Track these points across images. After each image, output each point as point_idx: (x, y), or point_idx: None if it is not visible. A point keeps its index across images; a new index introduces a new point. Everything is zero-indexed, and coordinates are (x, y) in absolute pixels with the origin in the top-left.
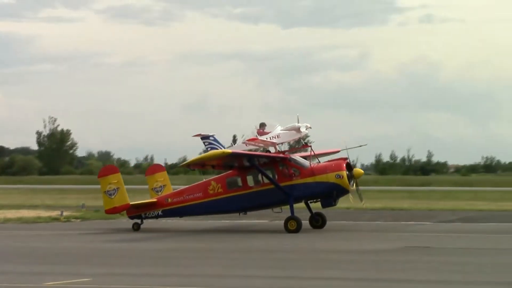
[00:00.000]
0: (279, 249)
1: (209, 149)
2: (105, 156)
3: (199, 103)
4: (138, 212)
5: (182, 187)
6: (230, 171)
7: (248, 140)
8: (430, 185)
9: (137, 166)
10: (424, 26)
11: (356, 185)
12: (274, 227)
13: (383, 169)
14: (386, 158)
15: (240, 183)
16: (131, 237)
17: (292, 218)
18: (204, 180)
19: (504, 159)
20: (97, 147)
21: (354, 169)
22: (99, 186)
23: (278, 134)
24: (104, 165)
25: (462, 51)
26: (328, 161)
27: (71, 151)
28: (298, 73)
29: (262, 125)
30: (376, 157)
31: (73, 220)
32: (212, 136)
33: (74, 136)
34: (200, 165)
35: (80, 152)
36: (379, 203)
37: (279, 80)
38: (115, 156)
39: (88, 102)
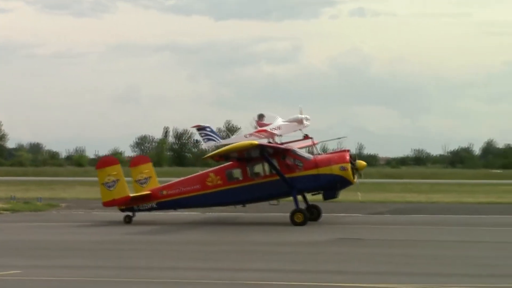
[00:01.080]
0: (215, 241)
1: (205, 140)
2: (35, 148)
3: (130, 95)
4: (130, 204)
5: (175, 179)
6: (229, 163)
7: (257, 132)
8: (361, 177)
9: (68, 158)
10: (355, 19)
11: (359, 177)
12: (212, 220)
13: None
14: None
15: (240, 175)
16: (65, 230)
17: (298, 210)
18: (200, 172)
19: (433, 151)
20: (27, 139)
21: (358, 161)
22: (28, 178)
23: (280, 125)
24: (103, 157)
25: (393, 45)
26: (331, 152)
27: (1, 143)
28: (230, 66)
29: (261, 116)
30: (308, 150)
31: (3, 212)
32: (209, 127)
33: (4, 128)
34: (224, 157)
35: (10, 144)
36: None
37: (211, 72)
38: (46, 148)
39: (19, 93)
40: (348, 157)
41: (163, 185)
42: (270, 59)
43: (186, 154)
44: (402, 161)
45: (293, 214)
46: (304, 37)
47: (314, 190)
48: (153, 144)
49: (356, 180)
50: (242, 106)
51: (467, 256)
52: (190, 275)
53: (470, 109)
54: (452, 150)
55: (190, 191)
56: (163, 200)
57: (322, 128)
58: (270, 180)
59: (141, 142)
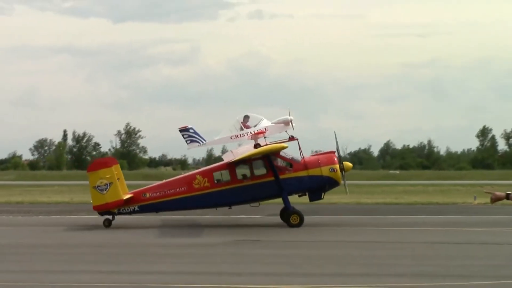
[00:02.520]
0: (112, 243)
1: (188, 141)
2: None
3: (28, 98)
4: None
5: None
6: (216, 165)
7: (256, 133)
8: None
9: None
10: (253, 22)
11: (343, 178)
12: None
13: (215, 163)
14: (217, 153)
15: (229, 177)
16: None
17: (295, 212)
18: (184, 174)
19: None
20: None
21: (344, 162)
22: None
23: (266, 127)
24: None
25: (291, 47)
26: (317, 154)
27: None
28: (129, 68)
29: (246, 118)
30: (207, 151)
31: None
32: (192, 128)
33: None
34: (242, 161)
35: None
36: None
37: (109, 74)
38: None
39: None
40: (336, 159)
41: (145, 187)
42: (169, 61)
43: (86, 157)
44: None
45: (289, 216)
46: (202, 39)
47: (303, 191)
48: (52, 147)
49: (342, 181)
50: (141, 108)
51: (364, 256)
52: (85, 278)
53: (367, 110)
54: (351, 151)
55: (175, 194)
56: (146, 203)
57: (222, 129)
58: (258, 182)
59: (40, 145)
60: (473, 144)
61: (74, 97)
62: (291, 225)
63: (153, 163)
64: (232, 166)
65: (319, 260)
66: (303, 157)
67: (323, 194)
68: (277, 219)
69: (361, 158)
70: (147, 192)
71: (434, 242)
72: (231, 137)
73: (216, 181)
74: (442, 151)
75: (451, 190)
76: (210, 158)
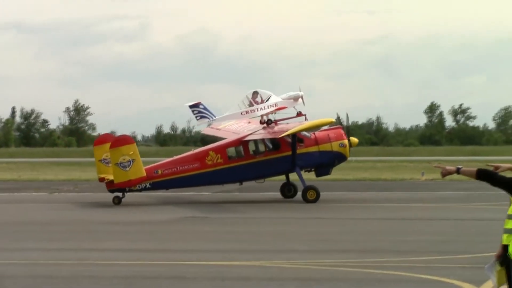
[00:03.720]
0: (60, 221)
1: (198, 117)
2: None
3: None
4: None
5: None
6: (229, 140)
7: (278, 109)
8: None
9: None
10: None
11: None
12: (61, 199)
13: (164, 140)
14: (166, 129)
15: (242, 153)
16: None
17: (311, 188)
18: (195, 150)
19: None
20: None
21: (351, 138)
22: None
23: (276, 102)
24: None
25: (242, 23)
26: (325, 129)
27: None
28: (78, 45)
29: (255, 93)
30: (157, 128)
31: None
32: (201, 104)
33: None
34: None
35: None
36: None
37: (58, 51)
38: None
39: None
40: (344, 134)
41: (156, 164)
42: (119, 38)
43: (34, 134)
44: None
45: (305, 191)
46: (152, 15)
47: (314, 167)
48: (0, 124)
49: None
50: (91, 85)
51: (311, 232)
52: (33, 256)
53: (316, 87)
54: None
55: (187, 170)
56: (158, 180)
57: (173, 106)
58: (271, 157)
59: None
60: (421, 120)
61: (22, 74)
62: (308, 201)
63: None
64: (245, 142)
65: (266, 237)
66: (313, 132)
67: (331, 169)
68: (226, 195)
69: None
70: (159, 168)
71: (382, 218)
72: (241, 113)
73: (229, 157)
74: (391, 128)
75: (399, 166)
76: (160, 135)
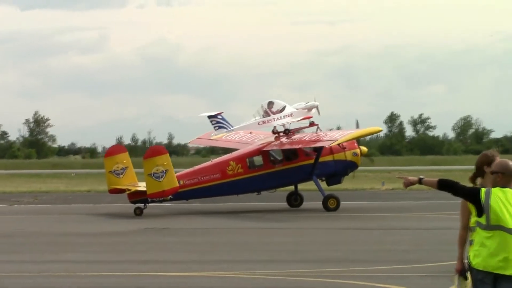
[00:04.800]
0: (21, 233)
1: (216, 128)
2: None
3: None
4: (144, 196)
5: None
6: (248, 150)
7: (304, 118)
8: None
9: None
10: (163, 9)
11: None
12: (24, 211)
13: None
14: (127, 140)
15: (261, 162)
16: None
17: (332, 196)
18: (213, 160)
19: None
20: None
21: (360, 146)
22: None
23: (292, 112)
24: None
25: (201, 34)
26: None
27: None
28: (37, 56)
29: (270, 104)
30: (117, 139)
31: None
32: (220, 115)
33: None
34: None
35: None
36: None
37: (17, 63)
38: None
39: None
40: (356, 143)
41: (177, 174)
42: (78, 48)
43: None
44: (211, 150)
45: (326, 200)
46: (111, 26)
47: (329, 175)
48: None
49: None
50: (50, 96)
51: (273, 243)
52: None
53: (278, 97)
54: None
55: (209, 180)
56: (180, 190)
57: (131, 117)
58: (289, 167)
59: None
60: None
61: None
62: (329, 209)
63: (62, 151)
64: (265, 151)
65: (227, 247)
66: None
67: (342, 178)
68: (186, 206)
69: None
70: (180, 179)
71: (341, 228)
72: (258, 123)
73: (249, 167)
74: None
75: (360, 176)
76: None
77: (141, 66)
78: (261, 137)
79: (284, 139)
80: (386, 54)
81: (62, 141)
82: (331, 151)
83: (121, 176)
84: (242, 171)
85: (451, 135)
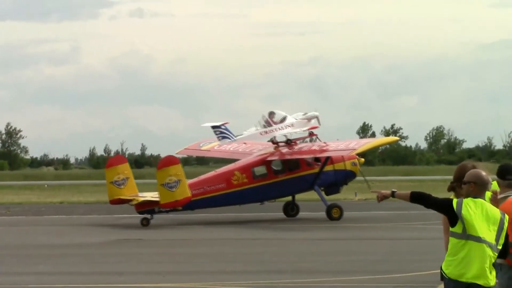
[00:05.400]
0: None
1: (220, 138)
2: None
3: None
4: (151, 206)
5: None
6: (253, 160)
7: (310, 128)
8: (143, 178)
9: None
10: (134, 20)
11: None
12: None
13: (97, 163)
14: (100, 152)
15: (265, 173)
16: None
17: (335, 205)
18: (217, 170)
19: None
20: None
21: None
22: None
23: (292, 122)
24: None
25: (173, 45)
26: None
27: None
28: (9, 67)
29: (271, 114)
30: (90, 151)
31: None
32: (224, 125)
33: None
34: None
35: None
36: (93, 197)
37: None
38: None
39: None
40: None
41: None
42: (50, 60)
43: None
44: (185, 161)
45: (330, 209)
46: (83, 38)
47: (329, 185)
48: None
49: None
50: (22, 108)
51: (247, 253)
52: None
53: (250, 108)
54: None
55: (215, 190)
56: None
57: (104, 128)
58: (291, 177)
59: None
60: None
61: None
62: (332, 218)
63: (35, 163)
64: (268, 161)
65: (201, 258)
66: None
67: (341, 188)
68: (159, 218)
69: None
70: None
71: (315, 238)
72: (260, 133)
73: (254, 177)
74: None
75: None
76: (93, 157)
77: (113, 78)
78: (259, 147)
79: (286, 149)
80: (358, 65)
81: (35, 152)
82: (332, 160)
83: (122, 186)
84: (247, 181)
85: (423, 145)
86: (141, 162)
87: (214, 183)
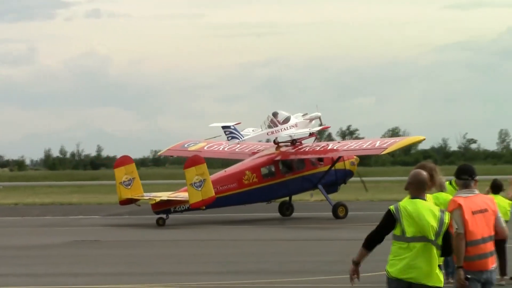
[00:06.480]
0: None
1: (229, 138)
2: None
3: None
4: (167, 206)
5: None
6: (261, 160)
7: (323, 128)
8: (99, 179)
9: None
10: (91, 21)
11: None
12: None
13: (53, 164)
14: (55, 153)
15: (274, 172)
16: None
17: (340, 204)
18: (226, 170)
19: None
20: None
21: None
22: None
23: (296, 123)
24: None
25: (130, 46)
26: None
27: None
28: None
29: (275, 114)
30: (45, 152)
31: None
32: (233, 126)
33: None
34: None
35: None
36: (48, 198)
37: None
38: None
39: None
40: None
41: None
42: (5, 61)
43: None
44: (141, 163)
45: (336, 208)
46: (39, 39)
47: (330, 185)
48: None
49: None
50: None
51: (202, 254)
52: None
53: (206, 110)
54: None
55: (227, 190)
56: None
57: (60, 130)
58: (297, 176)
59: None
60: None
61: None
62: (338, 217)
63: None
64: (277, 161)
65: (157, 259)
66: None
67: (339, 187)
68: (115, 219)
69: None
70: None
71: (270, 239)
72: (267, 133)
73: (263, 177)
74: None
75: None
76: (49, 159)
77: (70, 79)
78: (259, 147)
79: (291, 149)
80: (314, 66)
81: None
82: (332, 160)
83: (129, 187)
84: (257, 181)
85: None
86: (97, 164)
87: (227, 182)
